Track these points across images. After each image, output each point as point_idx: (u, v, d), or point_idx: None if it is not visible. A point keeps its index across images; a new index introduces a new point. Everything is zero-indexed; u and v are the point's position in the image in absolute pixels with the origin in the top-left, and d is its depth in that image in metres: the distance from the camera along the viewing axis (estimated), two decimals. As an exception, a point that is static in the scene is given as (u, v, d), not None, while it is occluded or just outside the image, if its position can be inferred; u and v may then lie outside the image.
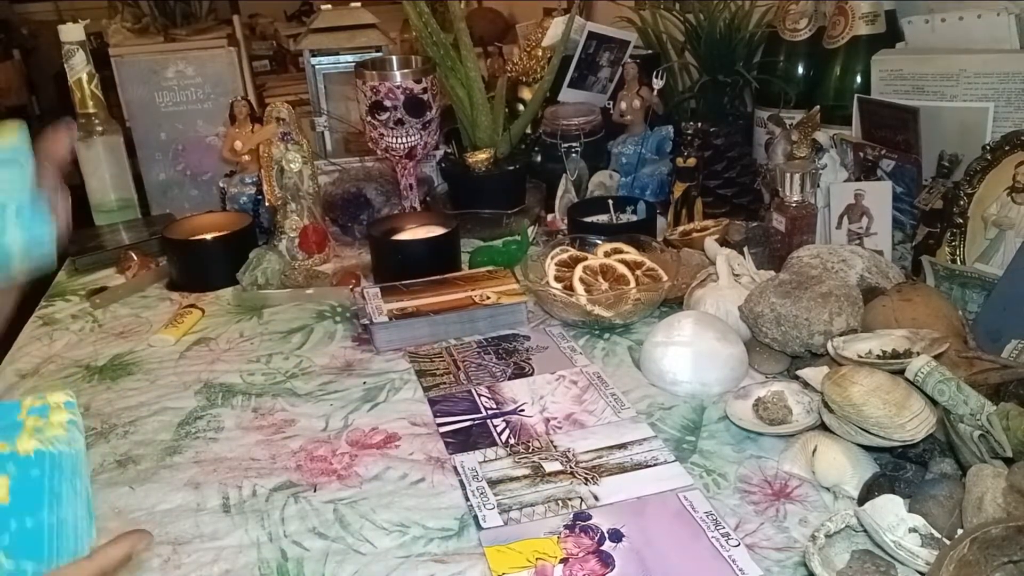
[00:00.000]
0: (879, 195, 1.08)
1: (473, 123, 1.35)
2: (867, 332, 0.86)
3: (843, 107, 1.19)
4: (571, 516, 0.72)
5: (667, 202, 1.31)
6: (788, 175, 1.08)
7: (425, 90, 1.23)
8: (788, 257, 1.02)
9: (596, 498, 0.74)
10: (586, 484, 0.76)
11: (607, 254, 1.08)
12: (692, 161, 1.24)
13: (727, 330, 0.92)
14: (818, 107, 1.16)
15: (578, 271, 1.03)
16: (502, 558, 0.68)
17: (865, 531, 0.64)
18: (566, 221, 1.27)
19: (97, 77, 1.38)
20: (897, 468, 0.74)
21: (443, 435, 0.85)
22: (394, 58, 1.31)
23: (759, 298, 0.92)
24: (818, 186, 1.12)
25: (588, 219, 1.22)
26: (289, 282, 1.19)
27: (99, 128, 1.38)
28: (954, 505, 0.66)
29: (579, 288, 1.02)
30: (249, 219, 1.27)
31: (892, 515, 0.64)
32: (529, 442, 0.83)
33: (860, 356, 0.80)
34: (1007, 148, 0.97)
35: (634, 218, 1.24)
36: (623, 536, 0.69)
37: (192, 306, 1.14)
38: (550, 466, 0.79)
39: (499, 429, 0.85)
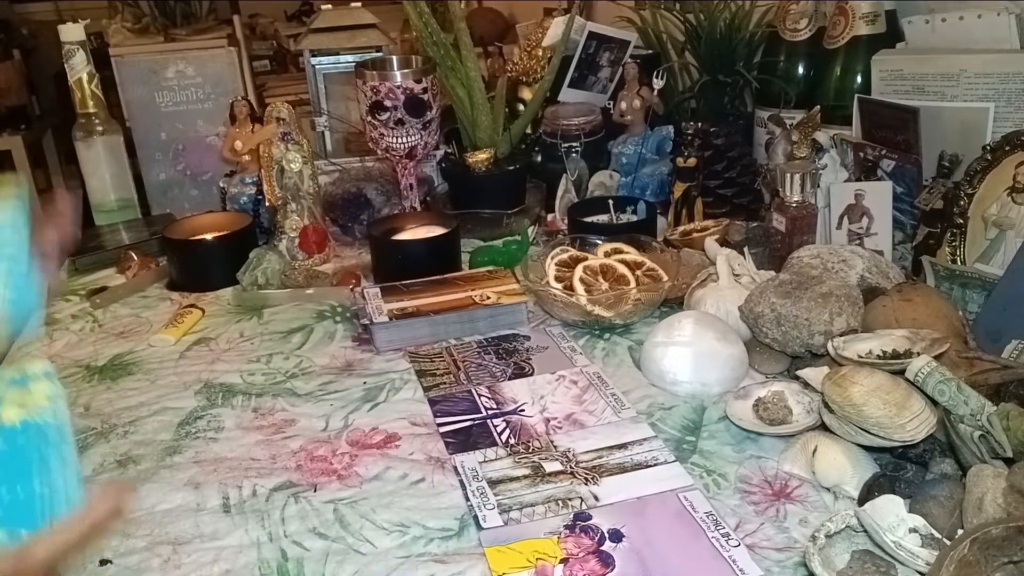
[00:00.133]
0: (879, 195, 1.08)
1: (473, 123, 1.35)
2: (867, 332, 0.86)
3: (843, 107, 1.19)
4: (571, 516, 0.72)
5: (667, 202, 1.31)
6: (788, 175, 1.08)
7: (425, 90, 1.23)
8: (788, 257, 1.02)
9: (596, 498, 0.74)
10: (586, 484, 0.76)
11: (607, 254, 1.08)
12: (692, 161, 1.24)
13: (727, 330, 0.92)
14: (818, 107, 1.16)
15: (578, 271, 1.03)
16: (502, 558, 0.68)
17: (865, 531, 0.64)
18: (566, 221, 1.27)
19: (97, 77, 1.38)
20: (897, 468, 0.74)
21: (443, 435, 0.85)
22: (394, 58, 1.31)
23: (759, 298, 0.92)
24: (818, 186, 1.12)
25: (588, 219, 1.22)
26: (289, 282, 1.19)
27: (99, 128, 1.38)
28: (954, 505, 0.66)
29: (579, 288, 1.02)
30: (249, 219, 1.27)
31: (892, 515, 0.64)
32: (529, 442, 0.83)
33: (860, 356, 0.80)
34: (1007, 148, 0.97)
35: (634, 218, 1.24)
36: (623, 536, 0.69)
37: (192, 306, 1.14)
38: (550, 466, 0.79)
39: (499, 429, 0.85)
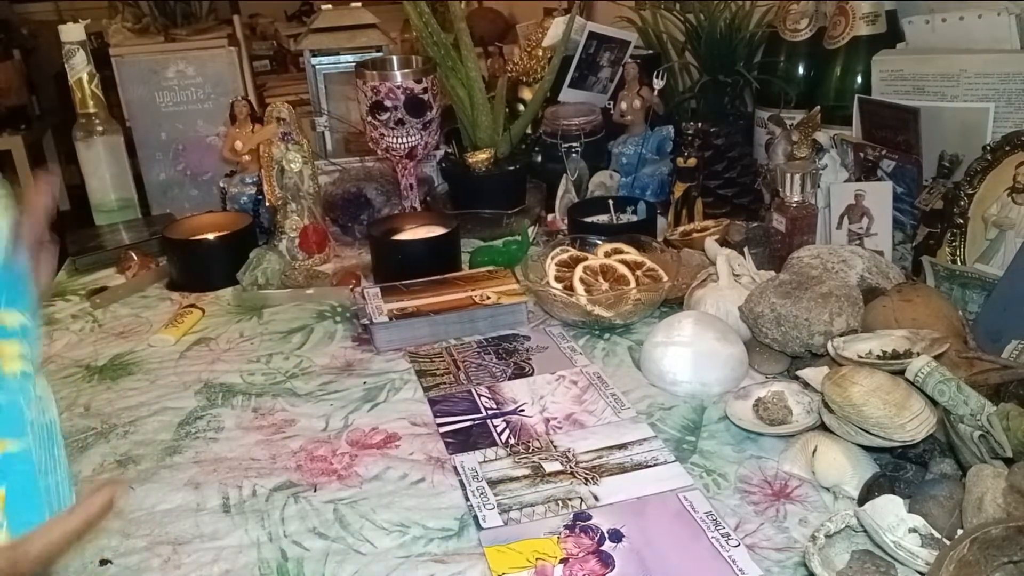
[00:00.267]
0: (879, 195, 1.08)
1: (473, 123, 1.35)
2: (867, 332, 0.86)
3: (843, 107, 1.19)
4: (571, 516, 0.72)
5: (667, 202, 1.31)
6: (788, 175, 1.08)
7: (425, 90, 1.23)
8: (788, 257, 1.02)
9: (596, 498, 0.74)
10: (586, 484, 0.76)
11: (607, 254, 1.08)
12: (692, 161, 1.24)
13: (727, 330, 0.92)
14: (818, 107, 1.16)
15: (578, 271, 1.03)
16: (502, 558, 0.68)
17: (865, 531, 0.64)
18: (566, 221, 1.27)
19: (97, 77, 1.38)
20: (897, 468, 0.74)
21: (443, 435, 0.85)
22: (394, 58, 1.31)
23: (759, 298, 0.92)
24: (818, 186, 1.12)
25: (588, 219, 1.22)
26: (289, 282, 1.19)
27: (99, 128, 1.38)
28: (954, 505, 0.66)
29: (579, 288, 1.02)
30: (249, 219, 1.27)
31: (892, 515, 0.64)
32: (529, 442, 0.83)
33: (860, 356, 0.80)
34: (1007, 148, 0.97)
35: (634, 218, 1.24)
36: (623, 536, 0.69)
37: (192, 306, 1.14)
38: (550, 466, 0.79)
39: (499, 429, 0.85)
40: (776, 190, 1.12)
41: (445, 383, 0.94)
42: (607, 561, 0.67)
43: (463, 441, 0.84)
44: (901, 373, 0.74)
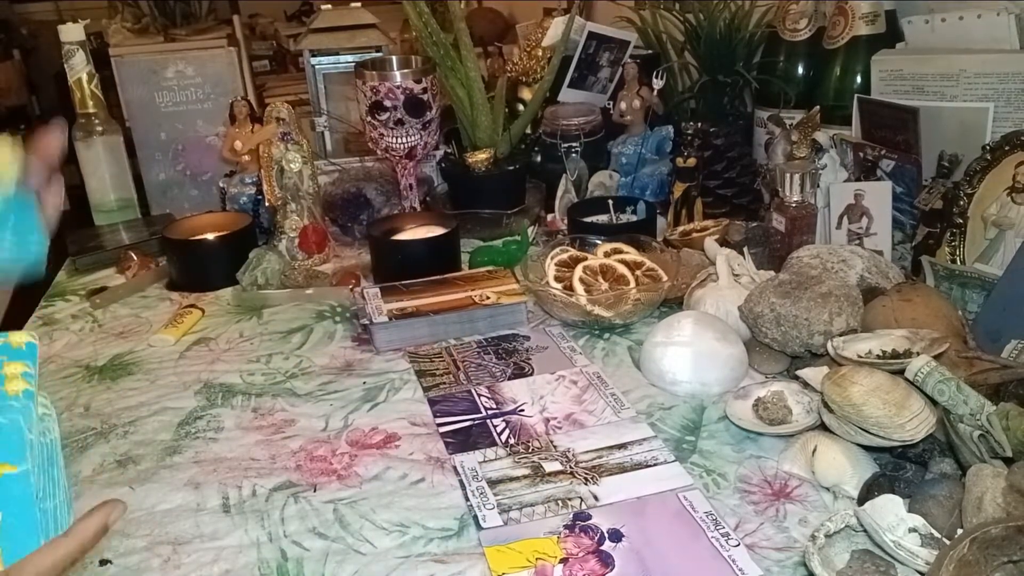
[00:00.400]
0: (879, 195, 1.08)
1: (473, 123, 1.35)
2: (867, 332, 0.86)
3: (843, 107, 1.19)
4: (571, 516, 0.72)
5: (667, 202, 1.31)
6: (788, 175, 1.08)
7: (425, 90, 1.23)
8: (788, 257, 1.02)
9: (596, 498, 0.74)
10: (586, 484, 0.76)
11: (607, 254, 1.08)
12: (692, 161, 1.24)
13: (727, 330, 0.92)
14: (818, 107, 1.16)
15: (578, 271, 1.03)
16: (502, 558, 0.68)
17: (865, 531, 0.64)
18: (566, 221, 1.27)
19: (97, 77, 1.38)
20: (897, 468, 0.74)
21: (443, 435, 0.85)
22: (394, 58, 1.31)
23: (759, 298, 0.92)
24: (818, 186, 1.12)
25: (588, 219, 1.22)
26: (289, 282, 1.19)
27: (99, 128, 1.38)
28: (954, 505, 0.66)
29: (579, 288, 1.02)
30: (249, 219, 1.27)
31: (892, 515, 0.64)
32: (529, 442, 0.83)
33: (860, 356, 0.80)
34: (1007, 148, 0.97)
35: (634, 218, 1.24)
36: (623, 536, 0.69)
37: (192, 306, 1.14)
38: (550, 466, 0.79)
39: (499, 429, 0.85)
40: (776, 190, 1.12)
41: (445, 383, 0.94)
42: (607, 561, 0.67)
43: (463, 441, 0.84)
44: (901, 373, 0.74)
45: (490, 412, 0.88)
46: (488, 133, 1.35)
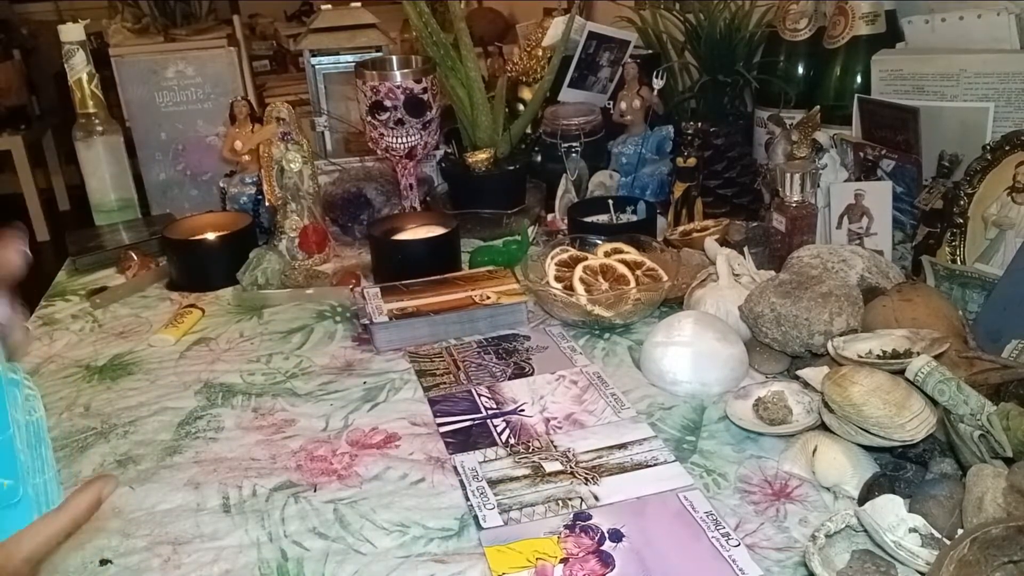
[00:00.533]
0: (879, 195, 1.08)
1: (473, 123, 1.35)
2: (867, 332, 0.86)
3: (843, 107, 1.19)
4: (571, 516, 0.72)
5: (667, 202, 1.31)
6: (788, 175, 1.08)
7: (425, 90, 1.23)
8: (788, 257, 1.02)
9: (596, 498, 0.74)
10: (586, 484, 0.76)
11: (607, 254, 1.08)
12: (692, 161, 1.24)
13: (727, 330, 0.92)
14: (818, 107, 1.16)
15: (578, 271, 1.03)
16: (502, 558, 0.68)
17: (865, 531, 0.64)
18: (566, 221, 1.27)
19: (97, 77, 1.38)
20: (897, 468, 0.74)
21: (443, 435, 0.85)
22: (394, 58, 1.31)
23: (759, 298, 0.92)
24: (818, 186, 1.12)
25: (588, 219, 1.22)
26: (289, 282, 1.19)
27: (99, 128, 1.38)
28: (954, 505, 0.66)
29: (579, 288, 1.02)
30: (249, 219, 1.27)
31: (892, 515, 0.64)
32: (529, 442, 0.83)
33: (860, 356, 0.80)
34: (1007, 148, 0.97)
35: (634, 218, 1.24)
36: (623, 536, 0.69)
37: (192, 306, 1.14)
38: (550, 466, 0.79)
39: (499, 429, 0.85)
40: (776, 190, 1.12)
41: (445, 383, 0.94)
42: (607, 561, 0.67)
43: (463, 441, 0.84)
44: (901, 373, 0.74)
45: (490, 412, 0.88)
46: (488, 133, 1.35)
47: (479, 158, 1.32)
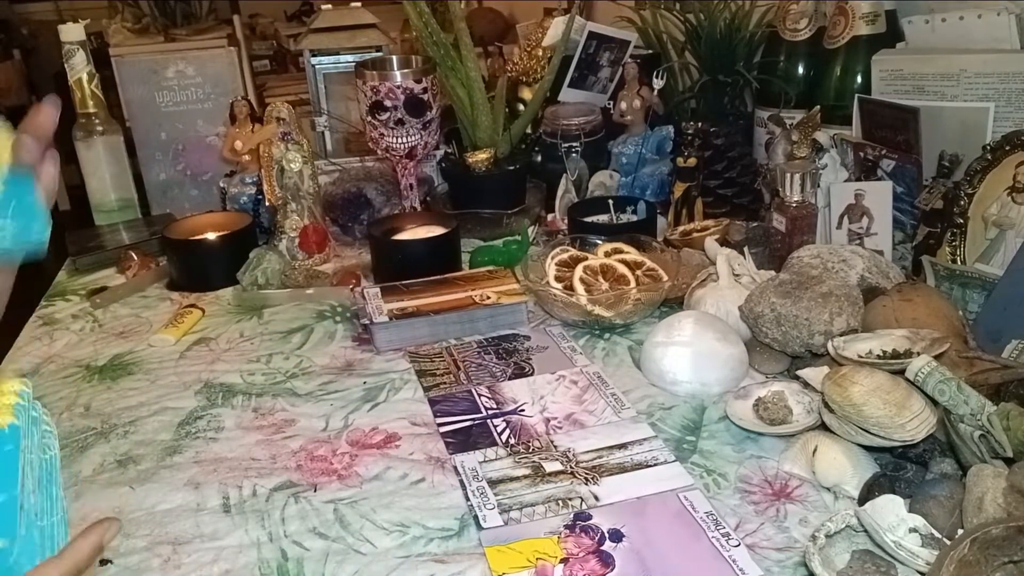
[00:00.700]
0: (879, 195, 1.08)
1: (473, 123, 1.35)
2: (867, 332, 0.86)
3: (843, 107, 1.19)
4: (571, 516, 0.72)
5: (667, 202, 1.31)
6: (788, 175, 1.08)
7: (425, 90, 1.23)
8: (788, 257, 1.02)
9: (596, 498, 0.74)
10: (586, 484, 0.76)
11: (607, 254, 1.08)
12: (692, 161, 1.24)
13: (727, 330, 0.92)
14: (818, 107, 1.16)
15: (578, 271, 1.03)
16: (502, 558, 0.68)
17: (865, 531, 0.64)
18: (566, 221, 1.27)
19: (97, 77, 1.38)
20: (897, 468, 0.74)
21: (443, 435, 0.85)
22: (394, 58, 1.31)
23: (759, 298, 0.92)
24: (818, 186, 1.12)
25: (588, 219, 1.22)
26: (289, 282, 1.19)
27: (99, 128, 1.38)
28: (954, 505, 0.66)
29: (579, 288, 1.02)
30: (249, 219, 1.27)
31: (892, 515, 0.64)
32: (529, 442, 0.83)
33: (860, 356, 0.80)
34: (1007, 148, 0.97)
35: (634, 218, 1.24)
36: (623, 536, 0.69)
37: (192, 306, 1.14)
38: (550, 466, 0.79)
39: (499, 429, 0.85)
40: (776, 190, 1.12)
41: (445, 383, 0.94)
42: (607, 561, 0.67)
43: (463, 441, 0.84)
44: (901, 373, 0.74)
45: (490, 412, 0.88)
46: (488, 133, 1.35)
47: (479, 158, 1.32)
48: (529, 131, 1.46)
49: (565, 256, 1.07)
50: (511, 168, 1.35)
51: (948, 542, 0.61)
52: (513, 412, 0.88)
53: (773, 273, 1.00)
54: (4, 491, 0.46)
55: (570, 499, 0.74)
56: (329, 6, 1.70)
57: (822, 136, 1.17)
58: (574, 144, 1.38)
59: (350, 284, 1.17)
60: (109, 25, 1.84)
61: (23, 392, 0.50)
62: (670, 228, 1.26)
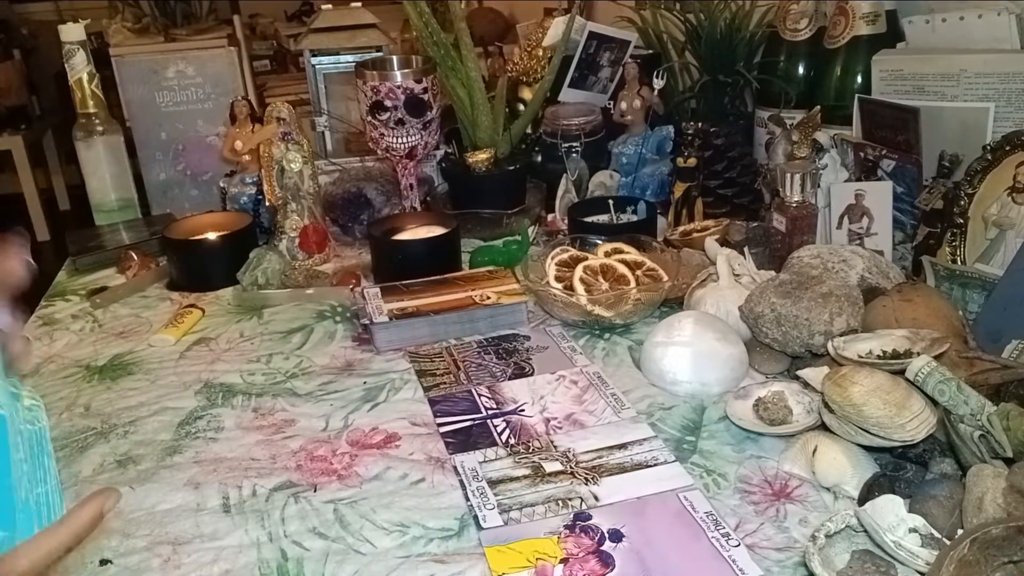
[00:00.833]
0: (879, 195, 1.08)
1: (473, 123, 1.35)
2: (867, 332, 0.86)
3: (843, 107, 1.19)
4: (571, 516, 0.72)
5: (667, 202, 1.31)
6: (788, 175, 1.08)
7: (425, 90, 1.23)
8: (788, 257, 1.02)
9: (596, 498, 0.74)
10: (586, 484, 0.76)
11: (607, 254, 1.08)
12: (692, 161, 1.24)
13: (727, 330, 0.92)
14: (818, 107, 1.16)
15: (578, 271, 1.03)
16: (502, 558, 0.68)
17: (865, 531, 0.64)
18: (566, 221, 1.27)
19: (97, 77, 1.38)
20: (897, 468, 0.74)
21: (443, 435, 0.85)
22: (394, 58, 1.31)
23: (759, 298, 0.92)
24: (818, 186, 1.12)
25: (588, 219, 1.22)
26: (289, 282, 1.19)
27: (99, 128, 1.38)
28: (954, 505, 0.66)
29: (579, 288, 1.02)
30: (249, 219, 1.27)
31: (892, 515, 0.64)
32: (529, 442, 0.83)
33: (860, 356, 0.80)
34: (1007, 148, 0.97)
35: (634, 218, 1.24)
36: (623, 536, 0.69)
37: (192, 306, 1.14)
38: (550, 466, 0.79)
39: (499, 429, 0.85)
40: (776, 190, 1.12)
41: (445, 383, 0.94)
42: (607, 561, 0.67)
43: (463, 441, 0.84)
44: (901, 373, 0.74)
45: (490, 412, 0.88)
46: (488, 133, 1.35)
47: (479, 158, 1.32)
48: (529, 131, 1.46)
49: (565, 256, 1.07)
50: (511, 168, 1.35)
51: (948, 542, 0.61)
52: (513, 412, 0.88)
53: (773, 273, 1.00)
54: None
55: (570, 499, 0.74)
56: (329, 6, 1.70)
57: (822, 136, 1.17)
58: (574, 144, 1.38)
59: (350, 284, 1.17)
60: (109, 25, 1.84)
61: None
62: (670, 228, 1.26)
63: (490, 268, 1.15)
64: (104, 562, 0.70)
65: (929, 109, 1.05)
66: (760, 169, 1.31)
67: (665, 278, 1.03)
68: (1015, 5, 1.03)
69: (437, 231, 1.20)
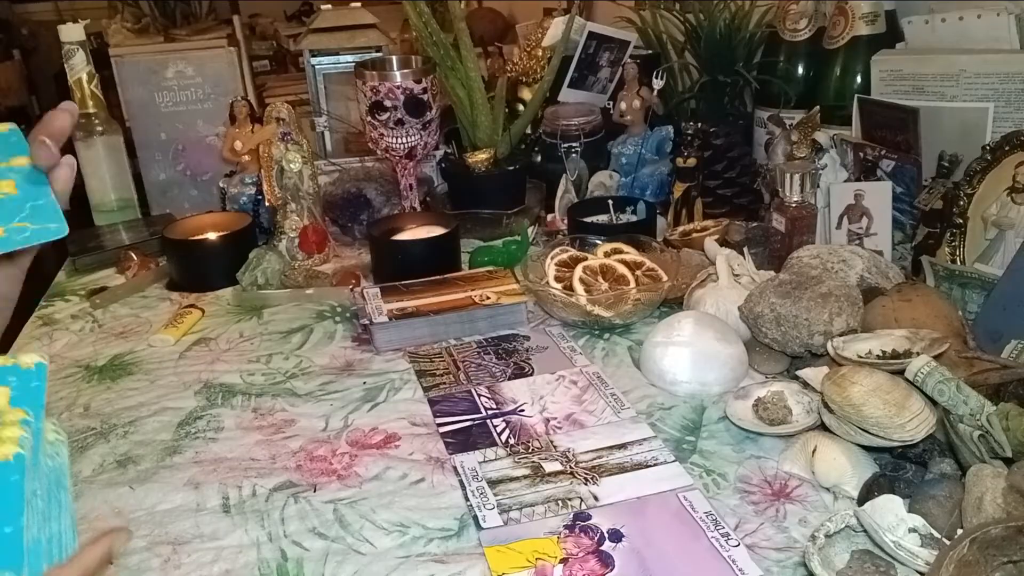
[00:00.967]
0: (879, 195, 1.08)
1: (473, 123, 1.35)
2: (867, 332, 0.86)
3: (843, 107, 1.19)
4: (571, 516, 0.72)
5: (667, 202, 1.31)
6: (788, 175, 1.08)
7: (425, 90, 1.23)
8: (788, 257, 1.02)
9: (596, 498, 0.74)
10: (586, 484, 0.76)
11: (607, 254, 1.08)
12: (692, 161, 1.24)
13: (727, 330, 0.92)
14: (818, 107, 1.16)
15: (578, 271, 1.03)
16: (502, 558, 0.68)
17: (865, 531, 0.64)
18: (566, 221, 1.27)
19: (97, 77, 1.38)
20: (897, 468, 0.74)
21: (443, 435, 0.85)
22: (394, 58, 1.31)
23: (759, 298, 0.92)
24: (818, 186, 1.12)
25: (588, 219, 1.22)
26: (289, 282, 1.19)
27: (99, 128, 1.38)
28: (954, 505, 0.66)
29: (579, 288, 1.02)
30: (249, 219, 1.27)
31: (892, 515, 0.64)
32: (529, 442, 0.83)
33: (860, 356, 0.80)
34: (1007, 148, 0.97)
35: (634, 218, 1.24)
36: (623, 536, 0.69)
37: (192, 306, 1.14)
38: (550, 466, 0.79)
39: (499, 429, 0.85)
40: (776, 190, 1.12)
41: (445, 383, 0.94)
42: (607, 561, 0.67)
43: (463, 441, 0.84)
44: (901, 373, 0.74)
45: (490, 412, 0.88)
46: (488, 133, 1.35)
47: (479, 158, 1.32)
48: (529, 131, 1.46)
49: (565, 256, 1.07)
50: (511, 168, 1.35)
51: (947, 542, 0.61)
52: (513, 412, 0.88)
53: (773, 273, 1.00)
54: (9, 523, 0.45)
55: (570, 499, 0.74)
56: (329, 6, 1.70)
57: (822, 136, 1.17)
58: (574, 144, 1.38)
59: (350, 284, 1.17)
60: (109, 25, 1.84)
61: (26, 421, 0.49)
62: (670, 228, 1.26)
63: (490, 268, 1.15)
64: (104, 562, 0.70)
65: (928, 109, 1.05)
66: (759, 169, 1.31)
67: (665, 278, 1.03)
68: (1015, 5, 1.03)
69: (437, 231, 1.20)
